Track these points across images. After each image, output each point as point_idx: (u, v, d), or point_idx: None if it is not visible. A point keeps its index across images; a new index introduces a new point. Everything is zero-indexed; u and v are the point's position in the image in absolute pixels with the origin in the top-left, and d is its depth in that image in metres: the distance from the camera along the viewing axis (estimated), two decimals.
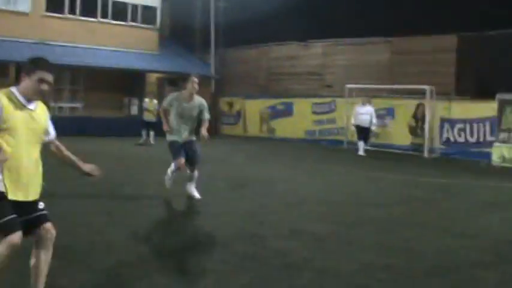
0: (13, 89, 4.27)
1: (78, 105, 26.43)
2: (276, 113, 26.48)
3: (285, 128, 25.84)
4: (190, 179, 9.79)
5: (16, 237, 4.06)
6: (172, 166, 9.77)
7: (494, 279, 5.91)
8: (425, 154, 19.77)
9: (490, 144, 18.15)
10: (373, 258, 6.51)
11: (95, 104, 25.79)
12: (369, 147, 19.90)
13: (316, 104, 24.71)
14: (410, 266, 6.25)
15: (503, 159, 17.54)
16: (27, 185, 4.25)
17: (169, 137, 9.63)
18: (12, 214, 4.11)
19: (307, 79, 26.30)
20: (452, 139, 19.73)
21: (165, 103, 9.78)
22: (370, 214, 9.32)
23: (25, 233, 4.26)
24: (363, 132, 19.67)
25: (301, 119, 25.14)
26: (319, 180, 13.25)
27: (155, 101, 22.15)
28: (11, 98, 4.20)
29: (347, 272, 5.97)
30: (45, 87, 4.27)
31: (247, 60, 29.07)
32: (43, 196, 4.39)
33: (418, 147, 20.38)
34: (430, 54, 21.47)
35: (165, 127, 9.70)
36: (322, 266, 6.17)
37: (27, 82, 4.25)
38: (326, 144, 23.45)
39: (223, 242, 7.18)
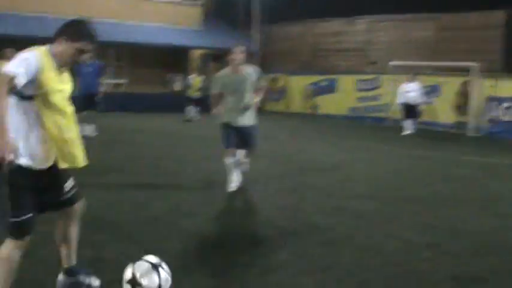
0: (50, 50, 3.91)
1: (122, 81, 26.70)
2: (319, 90, 26.28)
3: (328, 104, 25.66)
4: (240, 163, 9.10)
5: (26, 242, 3.87)
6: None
7: None
8: (470, 132, 19.47)
9: None
10: (415, 236, 6.50)
11: (138, 80, 26.05)
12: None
13: (360, 80, 24.48)
14: (453, 246, 6.21)
15: None
16: (77, 152, 4.03)
17: (223, 119, 8.87)
18: (31, 211, 3.85)
19: (352, 55, 26.08)
20: (498, 118, 19.38)
21: (213, 89, 9.01)
22: (412, 192, 9.28)
23: (52, 210, 4.16)
24: (411, 110, 19.34)
25: (344, 96, 24.93)
26: (362, 158, 13.19)
27: (201, 77, 22.28)
28: (51, 60, 3.86)
29: (389, 249, 5.98)
30: (83, 57, 3.99)
31: (292, 37, 28.90)
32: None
33: (462, 126, 20.05)
34: (477, 31, 21.04)
35: (213, 111, 9.03)
36: (364, 243, 6.19)
37: (65, 48, 3.90)
38: (370, 121, 23.25)
39: (263, 218, 7.26)
